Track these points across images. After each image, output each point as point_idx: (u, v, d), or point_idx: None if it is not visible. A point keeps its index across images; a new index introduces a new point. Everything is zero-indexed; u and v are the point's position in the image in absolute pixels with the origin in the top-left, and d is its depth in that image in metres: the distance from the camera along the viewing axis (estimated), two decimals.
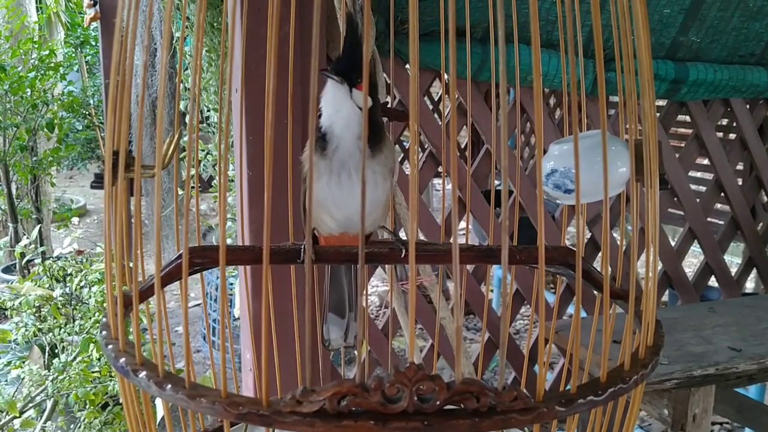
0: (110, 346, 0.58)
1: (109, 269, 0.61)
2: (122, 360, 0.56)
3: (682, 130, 3.68)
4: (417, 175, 2.19)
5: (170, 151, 0.68)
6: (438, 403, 0.48)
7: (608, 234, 0.53)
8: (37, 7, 5.80)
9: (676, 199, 2.67)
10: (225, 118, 0.61)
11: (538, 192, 0.52)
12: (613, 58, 0.60)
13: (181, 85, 2.59)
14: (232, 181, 2.93)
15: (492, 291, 4.03)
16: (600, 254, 2.59)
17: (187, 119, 2.52)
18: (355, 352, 1.77)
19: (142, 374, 0.54)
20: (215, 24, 2.27)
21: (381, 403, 0.47)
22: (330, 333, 0.95)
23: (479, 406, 0.48)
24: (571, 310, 2.83)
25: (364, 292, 1.27)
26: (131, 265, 0.64)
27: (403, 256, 0.76)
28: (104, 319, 0.62)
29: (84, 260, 3.20)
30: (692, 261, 4.53)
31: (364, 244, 0.55)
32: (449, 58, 0.57)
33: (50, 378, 2.55)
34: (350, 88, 0.78)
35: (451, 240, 0.51)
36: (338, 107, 0.79)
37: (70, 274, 3.05)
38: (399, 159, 4.28)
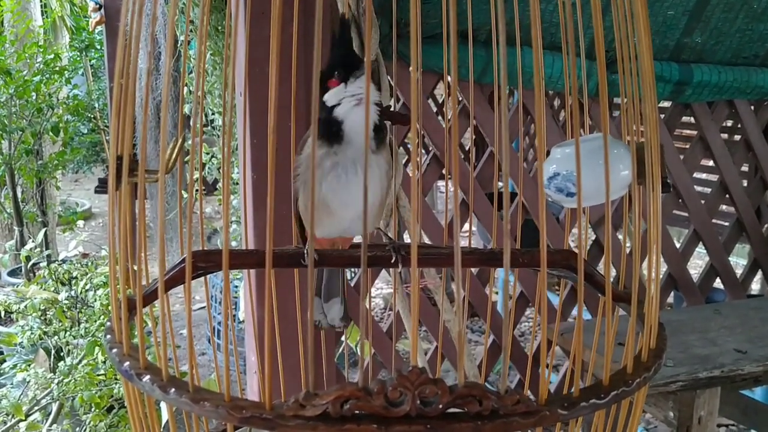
0: (114, 350, 0.59)
1: (113, 273, 0.62)
2: (126, 364, 0.56)
3: (687, 131, 3.67)
4: (420, 178, 2.19)
5: (174, 156, 0.69)
6: (440, 406, 0.48)
7: (611, 237, 0.53)
8: (42, 11, 5.82)
9: (680, 200, 2.66)
10: (228, 121, 0.62)
11: (540, 195, 0.52)
12: (616, 61, 0.61)
13: (186, 88, 2.60)
14: (237, 184, 2.94)
15: (496, 293, 4.03)
16: (605, 256, 2.59)
17: (191, 123, 2.53)
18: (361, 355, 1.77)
19: (146, 378, 0.54)
20: (219, 27, 2.28)
21: (384, 407, 0.47)
22: (316, 315, 0.94)
23: (482, 409, 0.48)
24: (575, 311, 2.82)
25: (368, 294, 1.28)
26: (135, 268, 0.64)
27: (393, 261, 0.75)
28: (109, 323, 0.63)
29: (89, 263, 3.21)
30: (697, 263, 4.52)
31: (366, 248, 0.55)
32: (452, 61, 0.57)
33: (56, 381, 2.56)
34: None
35: (454, 243, 0.51)
36: (361, 104, 0.77)
37: (76, 278, 3.06)
38: (403, 162, 4.28)
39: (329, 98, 0.80)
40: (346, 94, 0.79)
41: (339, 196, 0.78)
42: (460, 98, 2.33)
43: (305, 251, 0.77)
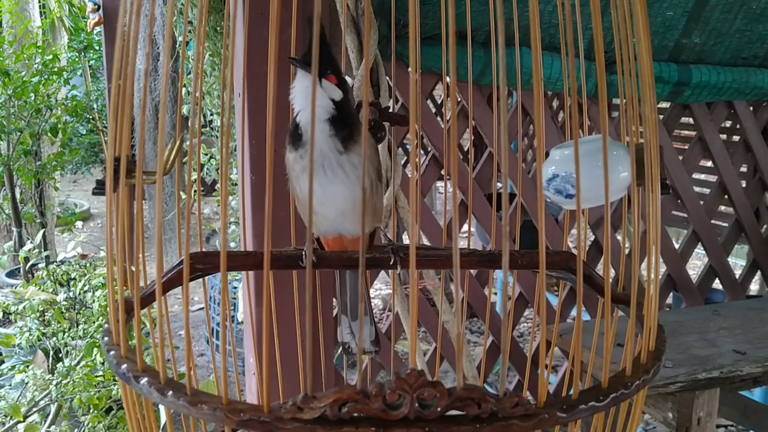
0: (112, 352, 0.58)
1: (111, 275, 0.61)
2: (124, 366, 0.56)
3: (686, 132, 3.67)
4: (419, 179, 2.19)
5: (172, 157, 0.68)
6: (439, 409, 0.47)
7: (609, 239, 0.53)
8: (40, 11, 5.81)
9: (679, 201, 2.66)
10: (226, 122, 0.61)
11: (539, 196, 0.52)
12: (615, 61, 0.60)
13: (185, 89, 2.59)
14: (235, 185, 2.93)
15: (495, 294, 4.03)
16: (604, 257, 2.59)
17: (189, 123, 2.53)
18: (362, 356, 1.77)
19: (144, 381, 0.54)
20: (218, 28, 2.27)
21: (382, 410, 0.47)
22: (344, 336, 0.94)
23: (480, 412, 0.48)
24: (575, 312, 2.82)
25: (368, 295, 1.27)
26: (133, 269, 0.64)
27: (392, 262, 0.75)
28: (106, 325, 0.63)
29: (88, 264, 3.20)
30: (696, 263, 4.52)
31: (365, 248, 0.55)
32: (450, 62, 0.57)
33: (54, 382, 2.55)
34: (320, 79, 0.74)
35: (453, 244, 0.51)
36: (307, 99, 0.76)
37: (74, 279, 3.05)
38: (402, 162, 4.28)
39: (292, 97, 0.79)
40: (295, 92, 0.78)
41: (316, 197, 0.78)
42: (459, 99, 2.33)
43: (303, 252, 0.77)
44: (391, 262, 0.76)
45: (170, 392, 0.52)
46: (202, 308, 4.25)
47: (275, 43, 0.55)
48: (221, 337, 3.24)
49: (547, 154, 0.89)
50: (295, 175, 0.80)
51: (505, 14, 0.53)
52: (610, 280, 0.68)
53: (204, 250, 0.77)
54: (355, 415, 0.47)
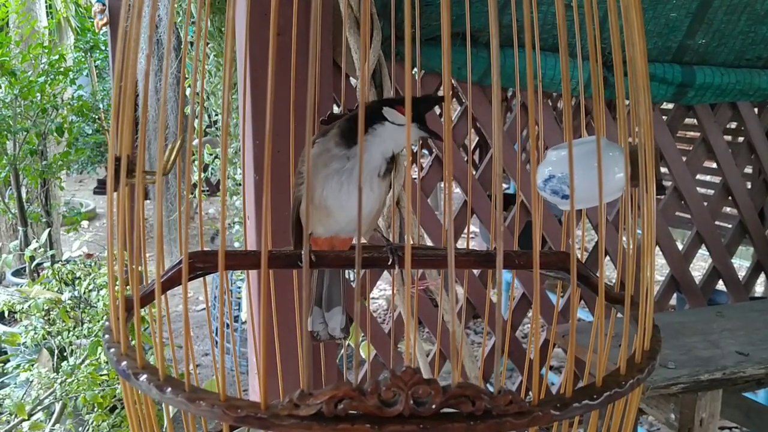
0: (112, 350, 0.59)
1: (112, 273, 0.62)
2: (124, 363, 0.57)
3: (690, 133, 3.67)
4: (419, 180, 2.20)
5: (173, 157, 0.69)
6: (434, 406, 0.48)
7: (604, 240, 0.54)
8: (47, 12, 5.84)
9: (683, 202, 2.66)
10: (225, 121, 0.62)
11: (533, 197, 0.52)
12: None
13: (190, 89, 2.61)
14: (240, 185, 2.94)
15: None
16: (608, 258, 2.59)
17: (188, 123, 2.53)
18: (362, 355, 1.78)
19: (143, 377, 0.54)
20: (223, 29, 2.28)
21: (377, 407, 0.48)
22: (315, 325, 0.95)
23: (474, 409, 0.48)
24: (580, 312, 2.82)
25: (369, 295, 1.28)
26: (137, 268, 0.64)
27: (390, 262, 0.76)
28: (107, 323, 0.63)
29: (93, 264, 3.21)
30: (700, 265, 4.51)
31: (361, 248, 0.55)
32: (456, 62, 0.58)
33: (59, 381, 2.56)
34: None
35: (448, 244, 0.51)
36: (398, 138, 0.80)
37: (79, 278, 3.06)
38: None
39: (390, 115, 0.80)
40: (402, 124, 0.80)
41: (338, 200, 0.79)
42: (463, 100, 2.33)
43: (302, 252, 0.78)
44: (389, 262, 0.77)
45: (169, 389, 0.53)
46: (204, 309, 4.25)
47: (274, 44, 0.55)
48: (220, 335, 3.24)
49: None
50: (327, 172, 0.79)
51: (508, 15, 0.53)
52: (612, 282, 0.69)
53: (206, 249, 0.78)
54: (351, 412, 0.48)
